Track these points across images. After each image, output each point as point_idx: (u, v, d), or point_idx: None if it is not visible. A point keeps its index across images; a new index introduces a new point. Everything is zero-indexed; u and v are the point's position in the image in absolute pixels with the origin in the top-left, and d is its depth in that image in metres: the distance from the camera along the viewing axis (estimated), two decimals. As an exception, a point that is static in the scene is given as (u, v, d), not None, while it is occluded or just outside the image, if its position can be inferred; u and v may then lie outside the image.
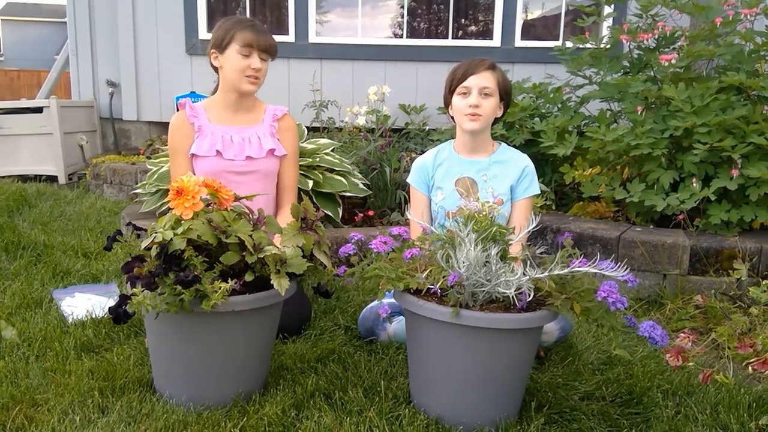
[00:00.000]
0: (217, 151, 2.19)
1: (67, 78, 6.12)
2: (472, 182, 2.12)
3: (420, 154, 4.35)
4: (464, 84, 2.03)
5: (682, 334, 1.78)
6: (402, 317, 2.08)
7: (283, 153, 2.30)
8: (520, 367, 1.67)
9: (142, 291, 1.53)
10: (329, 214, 3.17)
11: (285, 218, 1.96)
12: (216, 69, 2.25)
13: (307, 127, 3.93)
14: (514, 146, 3.44)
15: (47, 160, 5.35)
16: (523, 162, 2.13)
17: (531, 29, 5.35)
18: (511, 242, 1.66)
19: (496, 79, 2.04)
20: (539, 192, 2.17)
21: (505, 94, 2.09)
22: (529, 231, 1.75)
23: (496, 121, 2.14)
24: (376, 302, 2.16)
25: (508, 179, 2.11)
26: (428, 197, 2.20)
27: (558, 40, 5.07)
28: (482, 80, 2.02)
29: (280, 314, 1.86)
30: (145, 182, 3.43)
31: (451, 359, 1.62)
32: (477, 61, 2.05)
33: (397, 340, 2.15)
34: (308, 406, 1.72)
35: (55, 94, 5.77)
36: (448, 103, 2.13)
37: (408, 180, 2.24)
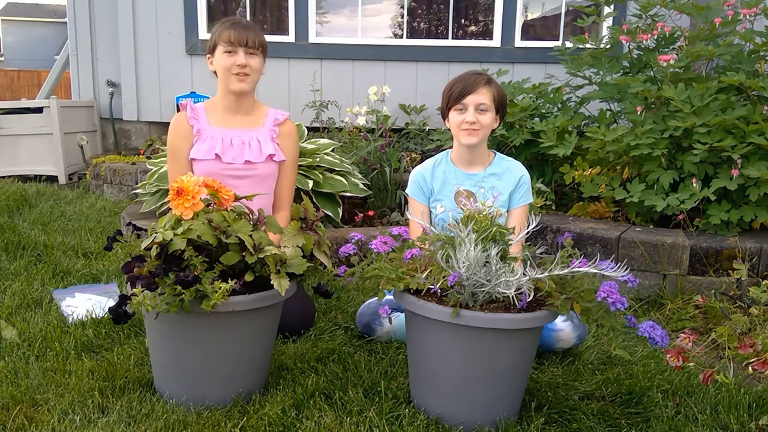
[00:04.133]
0: (216, 155, 2.18)
1: (67, 78, 6.13)
2: (470, 194, 2.14)
3: (420, 154, 4.39)
4: (462, 102, 2.05)
5: (682, 335, 1.78)
6: (401, 313, 2.08)
7: (282, 159, 2.26)
8: (520, 367, 1.67)
9: (142, 291, 1.53)
10: (329, 214, 3.17)
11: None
12: (215, 74, 2.24)
13: (307, 128, 3.93)
14: (514, 146, 3.45)
15: (47, 160, 5.35)
16: (519, 172, 2.16)
17: (531, 29, 5.35)
18: (510, 242, 1.67)
19: (492, 94, 2.06)
20: (532, 200, 2.20)
21: (500, 106, 2.11)
22: (528, 232, 1.76)
23: (491, 132, 2.16)
24: (375, 299, 2.18)
25: (506, 191, 2.14)
26: (428, 207, 2.21)
27: (558, 40, 5.08)
28: (479, 98, 2.04)
29: (284, 314, 1.86)
30: (145, 182, 3.44)
31: (451, 359, 1.62)
32: (473, 78, 2.06)
33: (397, 338, 2.16)
34: (308, 406, 1.72)
35: (55, 94, 5.78)
36: (445, 116, 2.16)
37: (407, 191, 2.25)
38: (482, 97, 2.04)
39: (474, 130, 2.05)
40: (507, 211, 2.15)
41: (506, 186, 2.14)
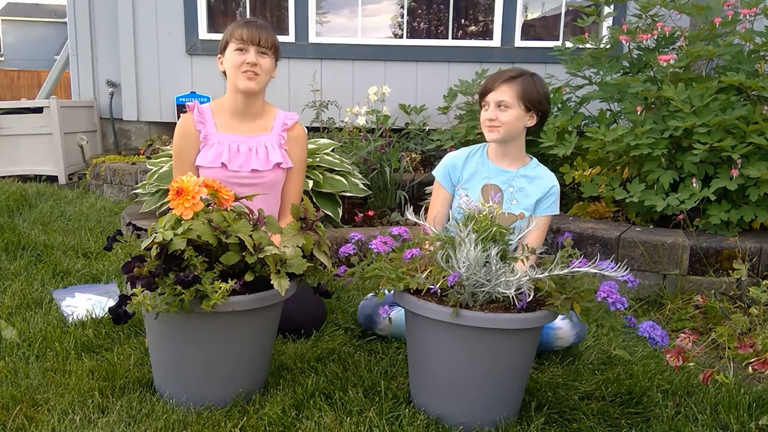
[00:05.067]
0: (222, 163, 2.15)
1: (67, 78, 6.12)
2: (498, 190, 2.14)
3: (420, 154, 4.39)
4: (485, 99, 2.08)
5: (682, 335, 1.78)
6: (401, 307, 2.08)
7: (290, 165, 2.23)
8: (520, 367, 1.67)
9: (142, 291, 1.53)
10: (329, 214, 3.17)
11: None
12: (225, 74, 2.19)
13: (307, 127, 3.91)
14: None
15: (47, 160, 5.35)
16: (551, 182, 2.15)
17: (531, 29, 5.35)
18: (511, 243, 1.67)
19: (515, 90, 2.03)
20: (557, 212, 2.19)
21: (530, 103, 2.05)
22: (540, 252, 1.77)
23: (530, 131, 2.14)
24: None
25: (533, 196, 2.13)
26: (451, 195, 2.21)
27: (558, 40, 5.07)
28: (498, 94, 2.04)
29: (301, 312, 1.85)
30: (145, 182, 3.44)
31: (451, 359, 1.62)
32: (495, 76, 2.09)
33: (397, 333, 2.16)
34: (308, 406, 1.72)
35: (55, 94, 5.77)
36: None
37: (434, 172, 2.24)
38: (502, 94, 2.04)
39: (494, 126, 2.06)
40: (530, 217, 2.14)
41: (535, 191, 2.13)
